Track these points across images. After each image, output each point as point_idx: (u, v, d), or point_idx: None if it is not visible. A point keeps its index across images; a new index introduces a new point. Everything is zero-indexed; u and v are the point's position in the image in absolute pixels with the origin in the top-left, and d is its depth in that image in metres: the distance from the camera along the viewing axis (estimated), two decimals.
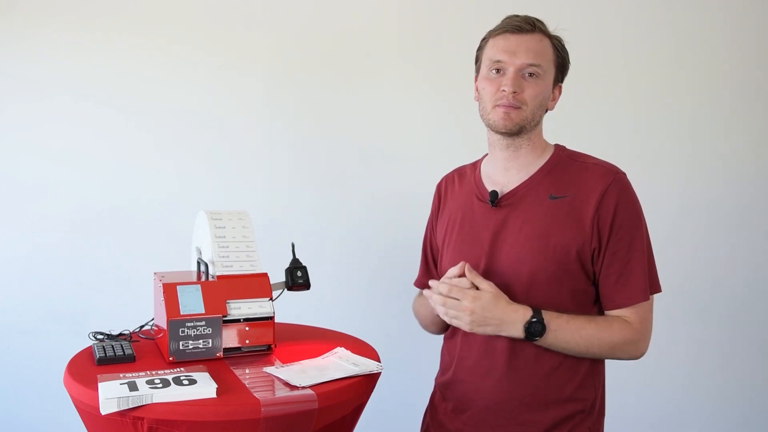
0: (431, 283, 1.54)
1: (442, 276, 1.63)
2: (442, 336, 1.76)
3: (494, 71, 1.54)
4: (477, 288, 1.50)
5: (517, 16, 1.56)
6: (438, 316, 1.59)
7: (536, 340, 1.49)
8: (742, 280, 2.64)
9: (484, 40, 1.60)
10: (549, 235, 1.51)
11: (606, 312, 1.56)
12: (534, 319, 1.47)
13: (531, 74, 1.52)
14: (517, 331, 1.48)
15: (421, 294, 1.79)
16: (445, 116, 2.55)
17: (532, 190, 1.56)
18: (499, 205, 1.58)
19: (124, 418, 1.39)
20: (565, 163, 1.58)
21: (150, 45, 2.50)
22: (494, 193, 1.58)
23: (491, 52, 1.55)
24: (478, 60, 1.62)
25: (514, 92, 1.51)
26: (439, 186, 1.79)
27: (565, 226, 1.51)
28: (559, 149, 1.62)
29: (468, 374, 1.59)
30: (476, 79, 1.62)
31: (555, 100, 1.60)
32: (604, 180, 1.52)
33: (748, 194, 2.61)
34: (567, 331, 1.49)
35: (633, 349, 1.54)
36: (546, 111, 1.59)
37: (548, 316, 1.49)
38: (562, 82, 1.60)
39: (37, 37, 2.48)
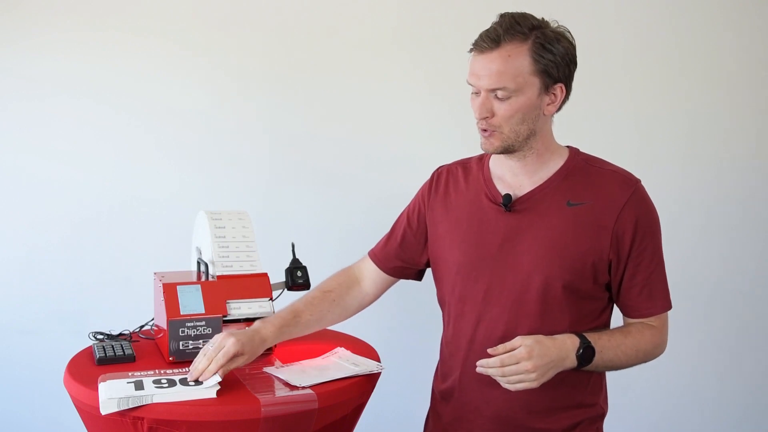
0: (481, 363, 1.40)
1: (439, 264, 1.61)
2: (441, 335, 1.72)
3: (473, 92, 1.48)
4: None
5: (487, 30, 1.45)
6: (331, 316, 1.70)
7: (585, 366, 1.44)
8: (742, 280, 2.63)
9: None
10: (566, 243, 1.47)
11: (627, 320, 1.56)
12: (584, 345, 1.42)
13: (500, 96, 1.43)
14: (572, 362, 1.42)
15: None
16: (445, 116, 2.54)
17: (548, 196, 1.51)
18: (512, 210, 1.52)
19: (124, 418, 1.39)
20: (581, 169, 1.52)
21: (151, 45, 2.49)
22: (508, 196, 1.51)
23: (468, 71, 1.48)
24: None
25: (485, 118, 1.45)
26: (439, 174, 1.69)
27: (583, 235, 1.47)
28: (573, 152, 1.55)
29: (474, 382, 1.54)
30: None
31: (554, 102, 1.47)
32: (625, 191, 1.48)
33: (747, 193, 2.61)
34: (610, 350, 1.46)
35: (659, 351, 1.55)
36: (547, 115, 1.49)
37: (592, 339, 1.44)
38: (560, 81, 1.46)
39: (37, 36, 2.47)
